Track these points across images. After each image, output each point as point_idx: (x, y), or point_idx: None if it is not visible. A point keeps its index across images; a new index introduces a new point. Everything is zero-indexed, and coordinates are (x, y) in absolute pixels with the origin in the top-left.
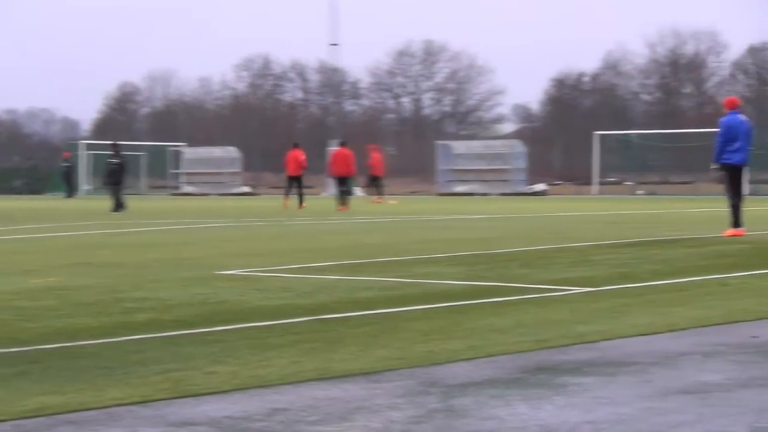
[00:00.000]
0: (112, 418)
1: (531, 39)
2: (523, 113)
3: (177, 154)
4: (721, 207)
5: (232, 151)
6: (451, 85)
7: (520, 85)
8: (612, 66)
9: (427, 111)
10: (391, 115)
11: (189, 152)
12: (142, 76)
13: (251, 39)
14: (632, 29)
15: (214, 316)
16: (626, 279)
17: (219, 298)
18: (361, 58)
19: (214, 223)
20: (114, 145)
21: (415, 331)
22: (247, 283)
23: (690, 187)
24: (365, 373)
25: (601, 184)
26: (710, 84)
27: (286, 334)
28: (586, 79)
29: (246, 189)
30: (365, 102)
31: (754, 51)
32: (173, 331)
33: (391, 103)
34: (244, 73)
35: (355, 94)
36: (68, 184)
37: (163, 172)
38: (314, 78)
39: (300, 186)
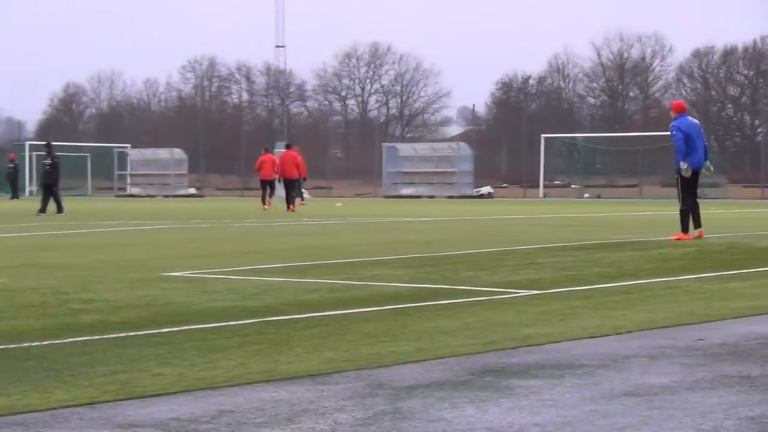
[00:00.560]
0: (58, 420)
1: (477, 42)
2: (470, 116)
3: (122, 156)
4: (666, 210)
5: (177, 153)
6: (397, 88)
7: (466, 87)
8: (558, 69)
9: (373, 113)
10: (337, 118)
11: (134, 154)
12: (88, 77)
13: (197, 40)
14: (578, 33)
15: (161, 318)
16: (573, 282)
17: (165, 299)
18: (307, 60)
19: (160, 225)
20: (47, 146)
21: (363, 333)
22: (194, 285)
23: (635, 190)
24: (312, 375)
25: (548, 187)
26: (655, 88)
27: (232, 336)
28: (532, 82)
29: (192, 191)
30: (311, 104)
31: (698, 55)
32: (119, 332)
33: (337, 105)
34: (190, 75)
35: (301, 96)
36: (13, 185)
37: (108, 173)
38: (260, 80)
39: (272, 189)
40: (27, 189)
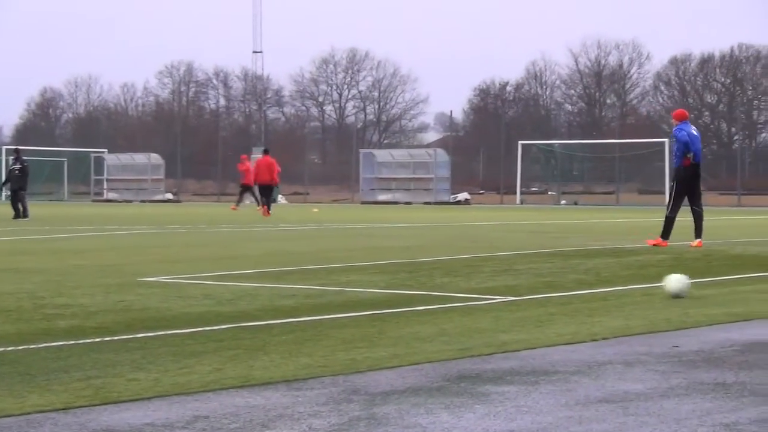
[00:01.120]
0: (32, 425)
1: (455, 48)
2: (447, 122)
3: (99, 161)
4: (643, 217)
5: (154, 158)
6: (374, 94)
7: (443, 94)
8: (535, 76)
9: (350, 119)
10: (314, 123)
11: (111, 159)
12: (65, 81)
13: (174, 46)
14: (556, 40)
15: (136, 323)
16: (550, 288)
17: (141, 305)
18: (285, 65)
19: (137, 230)
20: (15, 151)
21: (338, 338)
22: (170, 290)
23: (612, 197)
24: (287, 381)
25: (525, 193)
26: (633, 95)
27: (208, 342)
28: (509, 88)
29: (169, 196)
30: (289, 110)
31: (676, 62)
32: (95, 337)
33: (314, 111)
34: (167, 80)
35: (279, 101)
36: None
37: (85, 178)
38: (237, 85)
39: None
40: (3, 194)
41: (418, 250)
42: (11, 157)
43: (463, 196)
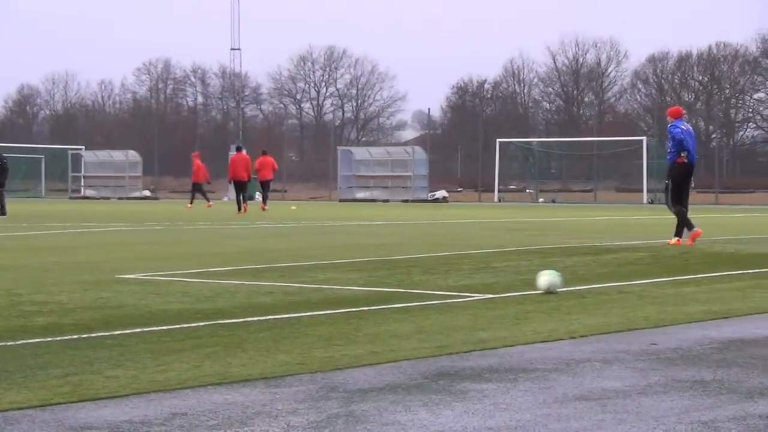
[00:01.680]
0: (9, 422)
1: (433, 46)
2: (425, 120)
3: (76, 158)
4: (620, 215)
5: (132, 155)
6: (352, 91)
7: (421, 91)
8: (513, 74)
9: (328, 117)
10: (292, 121)
11: (89, 155)
12: (42, 78)
13: (152, 42)
14: (534, 38)
15: (114, 320)
16: (528, 286)
17: (119, 302)
18: (263, 63)
19: (115, 227)
20: None
21: (316, 336)
22: (147, 288)
23: (590, 195)
24: (265, 378)
25: (502, 191)
26: (611, 93)
27: (185, 339)
28: (487, 86)
29: (146, 193)
30: (266, 107)
31: (653, 60)
32: (72, 334)
33: (292, 108)
34: (145, 77)
35: (257, 99)
36: None
37: (62, 175)
38: (215, 83)
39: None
40: None
41: (395, 247)
42: None
43: (441, 193)
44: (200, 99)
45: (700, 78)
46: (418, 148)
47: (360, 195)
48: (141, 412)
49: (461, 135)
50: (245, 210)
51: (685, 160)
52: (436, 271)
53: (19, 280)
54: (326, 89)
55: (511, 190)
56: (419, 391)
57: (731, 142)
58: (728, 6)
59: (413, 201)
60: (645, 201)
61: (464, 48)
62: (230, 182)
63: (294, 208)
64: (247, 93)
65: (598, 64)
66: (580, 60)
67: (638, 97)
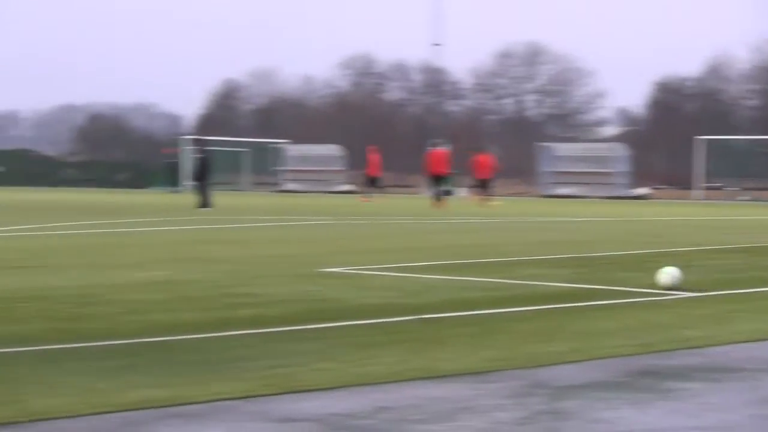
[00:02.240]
0: (217, 413)
1: (634, 43)
2: (626, 116)
3: (280, 152)
4: None
5: (334, 149)
6: (553, 87)
7: (622, 88)
8: (715, 71)
9: (529, 113)
10: (492, 117)
11: (292, 150)
12: (246, 72)
13: (354, 38)
14: (735, 35)
15: (319, 314)
16: (733, 285)
17: (323, 295)
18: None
19: (317, 221)
20: (197, 141)
21: (520, 332)
22: (350, 281)
23: None
24: (470, 373)
25: (704, 189)
26: None
27: (390, 333)
28: (689, 83)
29: (348, 187)
30: (467, 103)
31: None
32: (277, 327)
33: (492, 104)
34: (347, 72)
35: (457, 94)
36: (171, 179)
37: (266, 169)
38: (416, 78)
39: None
40: (184, 183)
41: (597, 244)
42: (193, 147)
43: (641, 190)
44: (401, 94)
45: None
46: (618, 145)
47: (561, 191)
48: (346, 405)
49: (662, 132)
50: (442, 205)
51: None
52: (639, 268)
53: (226, 273)
54: (527, 85)
55: (713, 188)
56: (624, 389)
57: None
58: None
59: (614, 198)
60: None
61: (666, 45)
62: (432, 177)
63: (496, 204)
64: (447, 88)
65: None
66: None
67: None
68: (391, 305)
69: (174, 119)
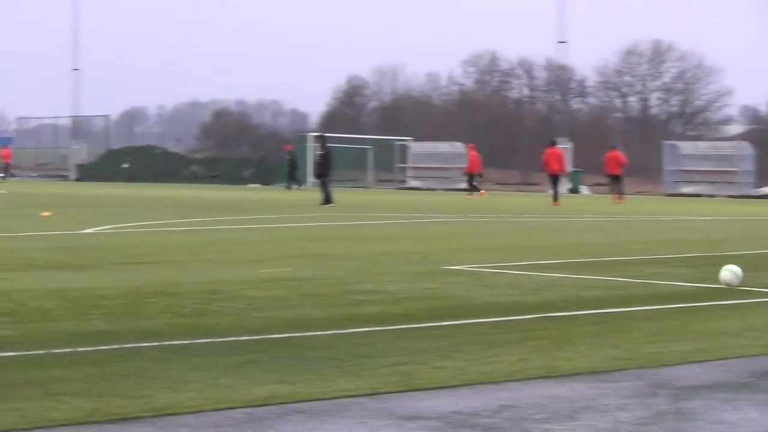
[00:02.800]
0: (341, 410)
1: (761, 40)
2: (752, 115)
3: (403, 149)
4: None
5: (458, 147)
6: (678, 85)
7: (748, 86)
8: None
9: (654, 111)
10: (617, 114)
11: (415, 147)
12: (371, 70)
13: (479, 35)
14: None
15: (442, 311)
16: None
17: (446, 293)
18: (589, 56)
19: (441, 218)
20: (320, 137)
21: (643, 331)
22: (474, 279)
23: None
24: (593, 373)
25: None
26: None
27: (513, 331)
28: None
29: (463, 185)
30: (592, 100)
31: None
32: (401, 324)
33: (618, 102)
34: (471, 69)
35: (582, 92)
36: (290, 176)
37: (389, 165)
38: (541, 75)
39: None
40: (307, 180)
41: (722, 243)
42: (315, 144)
43: (767, 189)
44: (526, 91)
45: None
46: (744, 144)
47: (685, 190)
48: (469, 403)
49: None
50: (559, 203)
51: None
52: (765, 267)
53: (349, 269)
54: (652, 83)
55: None
56: (748, 390)
57: None
58: None
59: (739, 197)
60: None
61: None
62: (550, 175)
63: (618, 202)
64: (573, 86)
65: None
66: None
67: None
68: (513, 303)
69: (299, 116)
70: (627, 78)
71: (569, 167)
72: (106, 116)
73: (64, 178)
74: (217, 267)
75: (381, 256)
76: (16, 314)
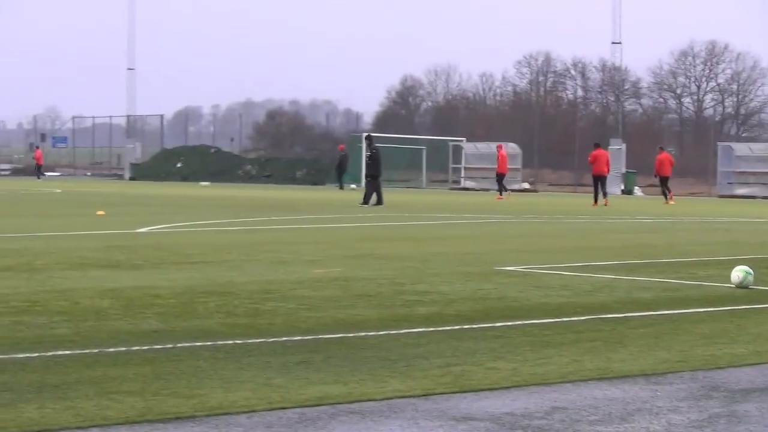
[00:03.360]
0: (393, 410)
1: None
2: None
3: (457, 149)
4: None
5: (511, 148)
6: (733, 87)
7: None
8: None
9: (708, 112)
10: (672, 116)
11: (469, 147)
12: (425, 70)
13: (533, 36)
14: None
15: (494, 312)
16: None
17: (499, 293)
18: (643, 57)
19: (494, 219)
20: (367, 138)
21: (697, 333)
22: (527, 280)
23: None
24: (646, 375)
25: None
26: None
27: (566, 333)
28: None
29: (525, 185)
30: (646, 102)
31: None
32: (454, 325)
33: (672, 103)
34: (525, 70)
35: (636, 93)
36: (340, 176)
37: (443, 166)
38: (595, 76)
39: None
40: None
41: None
42: (365, 145)
43: None
44: (580, 92)
45: None
46: None
47: (740, 191)
48: (521, 404)
49: None
50: (605, 203)
51: None
52: None
53: (402, 270)
54: (707, 84)
55: None
56: None
57: None
58: None
59: None
60: None
61: None
62: (595, 177)
63: (672, 203)
64: (626, 87)
65: None
66: None
67: None
68: (566, 304)
69: (353, 116)
70: (681, 79)
71: (623, 168)
72: (160, 116)
73: (119, 177)
74: (270, 267)
75: (434, 257)
76: (71, 313)
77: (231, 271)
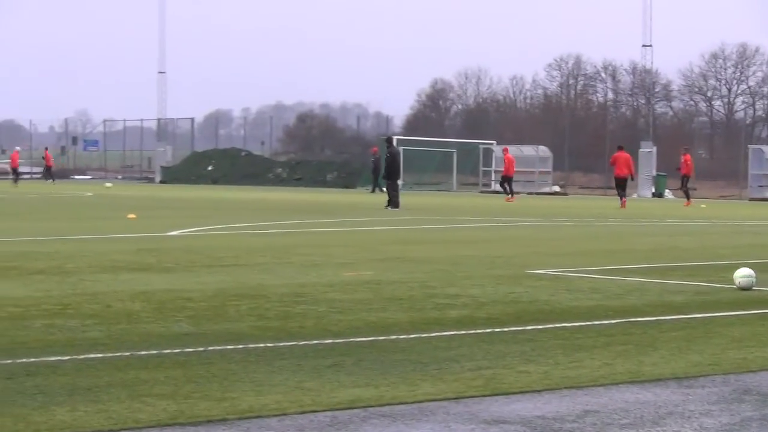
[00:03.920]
0: (425, 413)
1: None
2: None
3: (487, 152)
4: None
5: (542, 151)
6: (764, 89)
7: None
8: None
9: (739, 115)
10: (702, 118)
11: (499, 150)
12: (455, 73)
13: (563, 39)
14: None
15: (526, 315)
16: None
17: (530, 297)
18: (674, 59)
19: (524, 222)
20: (387, 140)
21: (729, 337)
22: (558, 283)
23: None
24: (677, 378)
25: None
26: None
27: (597, 336)
28: None
29: (556, 188)
30: (676, 104)
31: None
32: (485, 328)
33: (702, 106)
34: (556, 73)
35: (667, 96)
36: (376, 179)
37: (473, 169)
38: (626, 79)
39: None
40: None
41: None
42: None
43: None
44: (610, 95)
45: None
46: None
47: None
48: (553, 408)
49: None
50: (621, 206)
51: None
52: None
53: (432, 273)
54: (737, 87)
55: None
56: None
57: None
58: None
59: None
60: None
61: None
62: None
63: (704, 206)
64: (657, 90)
65: None
66: None
67: None
68: (597, 308)
69: (383, 119)
70: (712, 82)
71: (654, 171)
72: (191, 119)
73: (149, 180)
74: (301, 270)
75: (464, 260)
76: (103, 316)
77: (262, 274)
